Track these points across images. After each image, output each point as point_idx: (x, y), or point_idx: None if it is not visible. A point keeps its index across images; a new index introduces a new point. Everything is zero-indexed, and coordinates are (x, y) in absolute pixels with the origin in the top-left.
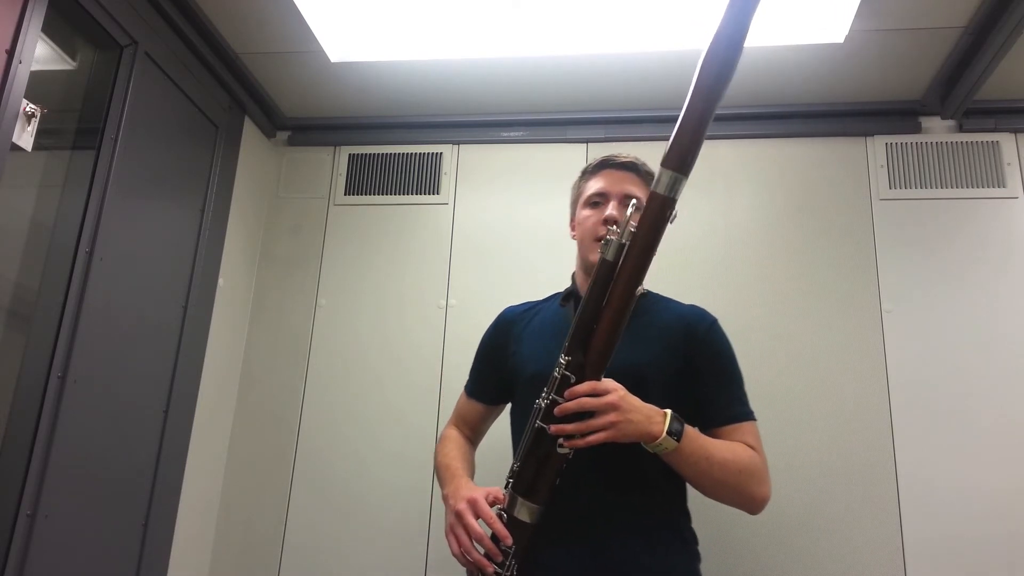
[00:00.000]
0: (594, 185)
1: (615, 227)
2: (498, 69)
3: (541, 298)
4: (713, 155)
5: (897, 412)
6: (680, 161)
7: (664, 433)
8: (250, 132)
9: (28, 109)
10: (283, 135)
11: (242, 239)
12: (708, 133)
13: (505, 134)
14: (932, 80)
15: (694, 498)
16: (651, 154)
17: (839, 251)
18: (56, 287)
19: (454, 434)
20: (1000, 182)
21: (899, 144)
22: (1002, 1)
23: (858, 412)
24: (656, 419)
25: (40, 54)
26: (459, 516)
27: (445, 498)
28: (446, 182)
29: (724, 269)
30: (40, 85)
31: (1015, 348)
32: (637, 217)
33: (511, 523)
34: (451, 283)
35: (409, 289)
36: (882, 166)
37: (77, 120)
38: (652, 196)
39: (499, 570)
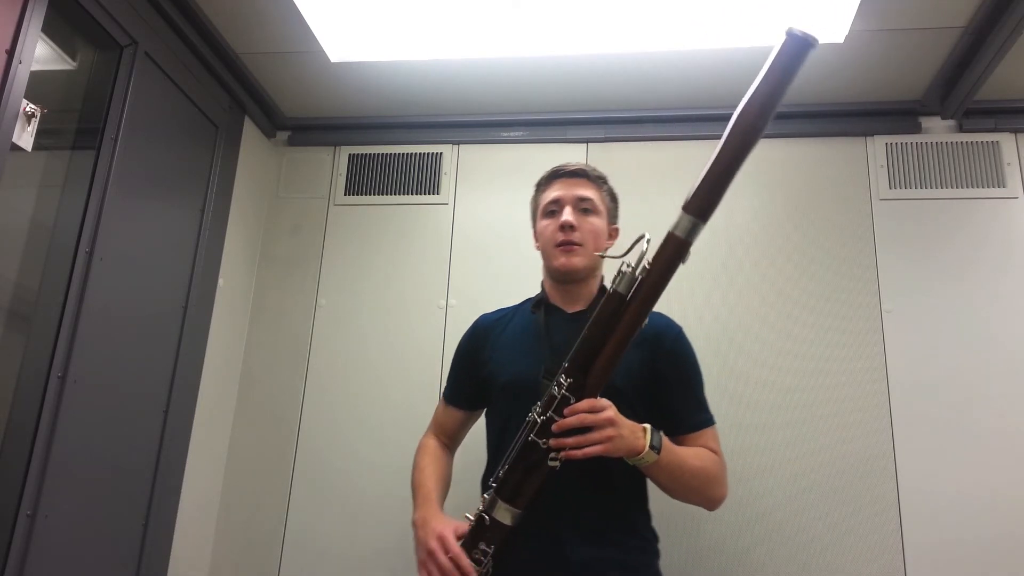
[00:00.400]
0: (548, 195)
1: (629, 263)
2: (498, 69)
3: (515, 304)
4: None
5: (897, 412)
6: (701, 209)
7: (647, 447)
8: (250, 132)
9: (28, 109)
10: (283, 135)
11: (242, 239)
12: (708, 133)
13: (505, 134)
14: (932, 80)
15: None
16: (651, 154)
17: (839, 251)
18: (56, 287)
19: (432, 444)
20: (1000, 182)
21: (899, 144)
22: (1002, 1)
23: (858, 412)
24: (639, 434)
25: (40, 54)
26: (431, 555)
27: (414, 523)
28: (446, 182)
29: (724, 269)
30: (40, 85)
31: (1015, 348)
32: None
33: (492, 524)
34: (451, 283)
35: (409, 289)
36: (882, 166)
37: (77, 120)
38: (669, 237)
39: None
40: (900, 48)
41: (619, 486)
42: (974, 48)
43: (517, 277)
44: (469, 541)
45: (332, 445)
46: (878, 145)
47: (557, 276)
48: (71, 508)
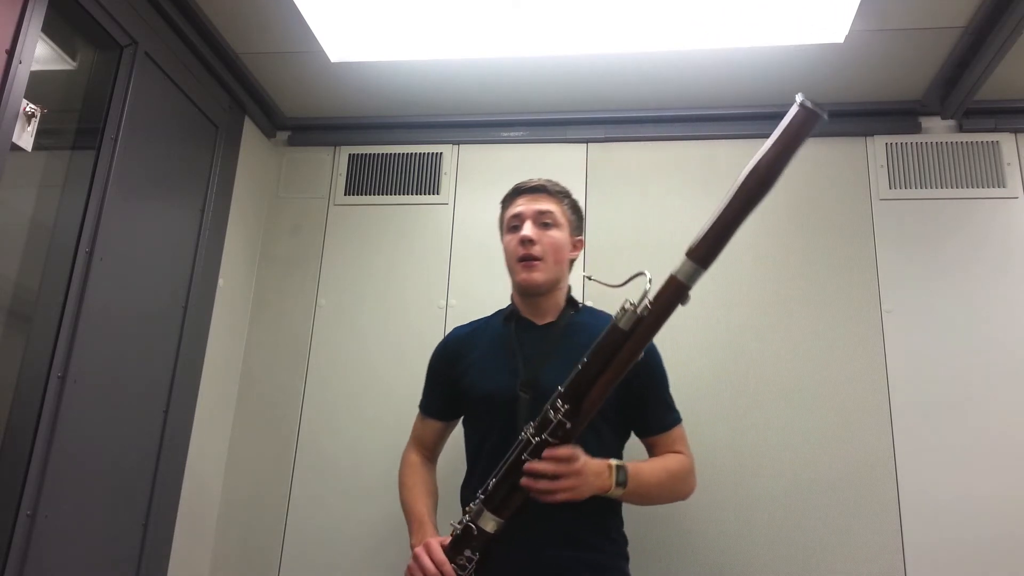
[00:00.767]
0: (511, 211)
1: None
2: (498, 69)
3: (485, 316)
4: (713, 155)
5: (897, 412)
6: (704, 256)
7: (613, 486)
8: (250, 132)
9: (28, 109)
10: (283, 135)
11: (242, 239)
12: (708, 133)
13: (505, 134)
14: (932, 80)
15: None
16: (651, 154)
17: (839, 251)
18: (56, 287)
19: (415, 460)
20: (1000, 182)
21: (899, 144)
22: (1002, 1)
23: (858, 412)
24: (605, 475)
25: (40, 54)
26: (416, 558)
27: (412, 548)
28: (446, 182)
29: (724, 269)
30: (40, 85)
31: (1016, 347)
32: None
33: (478, 533)
34: (451, 283)
35: (409, 289)
36: (882, 166)
37: (77, 120)
38: (671, 279)
39: None
40: (900, 48)
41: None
42: (974, 48)
43: None
44: (454, 548)
45: (332, 445)
46: (878, 145)
47: (520, 291)
48: (71, 508)
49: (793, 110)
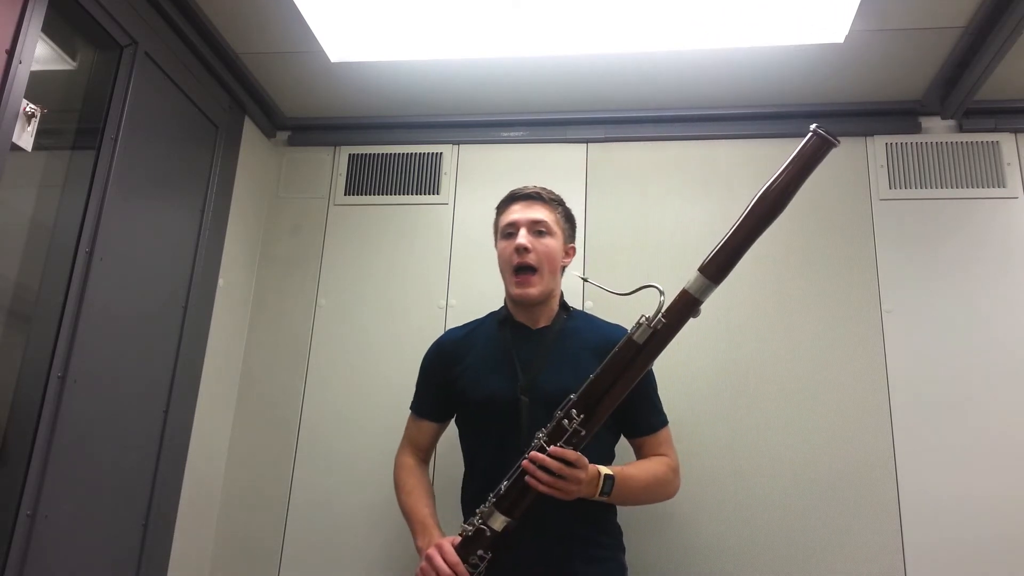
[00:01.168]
0: (506, 218)
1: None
2: (498, 69)
3: (476, 318)
4: (713, 155)
5: (897, 412)
6: (716, 273)
7: (598, 494)
8: (250, 132)
9: (28, 109)
10: (283, 135)
11: (242, 239)
12: (708, 133)
13: (505, 134)
14: (932, 80)
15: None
16: (651, 154)
17: (839, 251)
18: (56, 287)
19: (410, 463)
20: (1000, 182)
21: (899, 144)
22: (1002, 1)
23: (858, 412)
24: (595, 483)
25: (40, 54)
26: (429, 559)
27: (419, 550)
28: (446, 182)
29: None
30: (40, 85)
31: (1016, 347)
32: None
33: (490, 533)
34: (451, 283)
35: (409, 289)
36: (882, 166)
37: (77, 120)
38: (682, 294)
39: None
40: (900, 48)
41: None
42: (974, 48)
43: None
44: (465, 548)
45: (332, 445)
46: (878, 145)
47: (516, 303)
48: (71, 508)
49: (808, 137)
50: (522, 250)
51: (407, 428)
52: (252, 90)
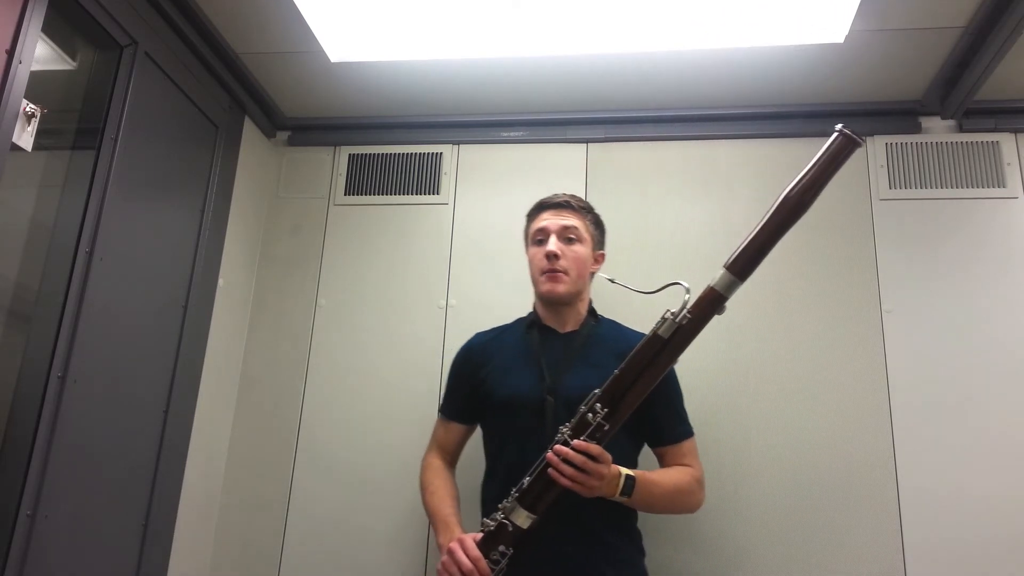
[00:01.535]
0: (536, 225)
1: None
2: (498, 69)
3: (504, 323)
4: (713, 155)
5: (897, 412)
6: (742, 269)
7: (618, 494)
8: (250, 132)
9: (28, 109)
10: (283, 135)
11: (242, 239)
12: (708, 133)
13: (505, 134)
14: (932, 80)
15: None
16: (651, 154)
17: (839, 251)
18: (56, 287)
19: (436, 463)
20: (1000, 182)
21: (899, 144)
22: (1002, 1)
23: (858, 412)
24: (614, 483)
25: (40, 54)
26: (451, 553)
27: (441, 547)
28: (446, 182)
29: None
30: (40, 85)
31: (1016, 347)
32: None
33: (513, 529)
34: (451, 283)
35: (409, 289)
36: (882, 166)
37: (77, 120)
38: (708, 290)
39: None
40: (900, 48)
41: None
42: (974, 48)
43: (517, 277)
44: (487, 544)
45: (332, 445)
46: (878, 145)
47: (544, 300)
48: (71, 508)
49: (833, 137)
50: (552, 256)
51: (435, 430)
52: (252, 90)
